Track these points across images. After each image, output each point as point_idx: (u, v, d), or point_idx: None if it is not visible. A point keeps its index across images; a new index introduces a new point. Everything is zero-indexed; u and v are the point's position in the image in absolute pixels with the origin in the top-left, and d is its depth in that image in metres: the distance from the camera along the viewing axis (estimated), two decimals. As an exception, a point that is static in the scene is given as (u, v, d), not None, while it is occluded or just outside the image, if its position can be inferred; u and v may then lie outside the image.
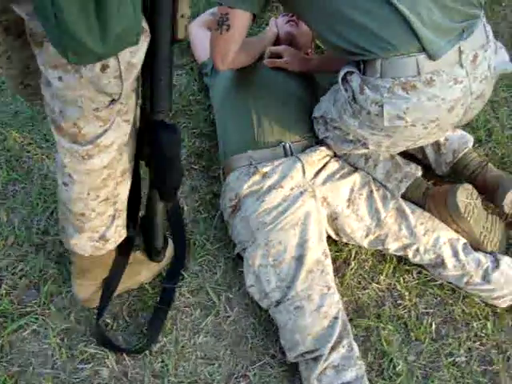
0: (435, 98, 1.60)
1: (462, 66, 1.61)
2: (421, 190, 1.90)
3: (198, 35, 2.36)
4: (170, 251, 1.87)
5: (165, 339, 1.74)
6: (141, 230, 1.78)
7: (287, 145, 1.87)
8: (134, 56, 1.22)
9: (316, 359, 1.61)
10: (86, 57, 1.10)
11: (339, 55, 1.74)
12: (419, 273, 1.90)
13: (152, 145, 1.52)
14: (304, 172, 1.81)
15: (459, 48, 1.60)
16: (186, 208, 2.00)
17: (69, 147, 1.38)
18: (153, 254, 1.80)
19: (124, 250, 1.75)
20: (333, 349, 1.61)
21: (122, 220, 1.62)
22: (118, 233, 1.62)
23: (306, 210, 1.76)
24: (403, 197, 1.89)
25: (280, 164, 1.81)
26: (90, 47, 1.05)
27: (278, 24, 2.20)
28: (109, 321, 1.78)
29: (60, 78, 1.21)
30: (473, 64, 1.62)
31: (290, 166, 1.81)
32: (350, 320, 1.75)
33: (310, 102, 2.00)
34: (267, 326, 1.78)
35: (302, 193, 1.78)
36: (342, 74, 1.71)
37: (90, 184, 1.45)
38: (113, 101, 1.29)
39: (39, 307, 1.79)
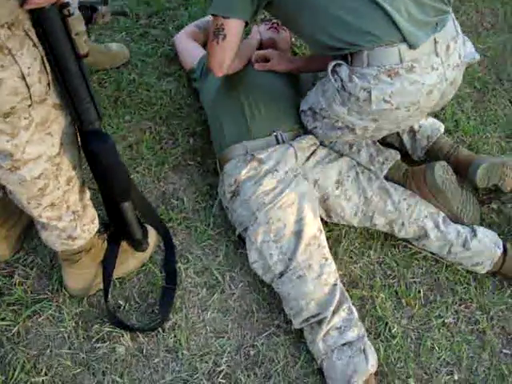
0: (416, 82, 1.79)
1: (437, 54, 1.80)
2: (401, 170, 2.08)
3: (184, 45, 2.51)
4: (153, 239, 1.96)
5: (176, 316, 1.85)
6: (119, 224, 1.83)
7: (279, 134, 2.02)
8: (2, 71, 1.22)
9: (320, 322, 1.74)
10: None
11: (327, 52, 1.90)
12: (405, 247, 2.07)
13: (87, 155, 1.57)
14: (296, 157, 1.96)
15: (434, 39, 1.80)
16: (185, 199, 2.13)
17: None
18: (135, 244, 1.88)
19: (114, 237, 1.86)
20: (334, 312, 1.75)
21: (87, 218, 1.69)
22: (86, 231, 1.70)
23: (300, 190, 1.90)
24: (386, 178, 2.07)
25: (274, 151, 1.96)
26: None
27: (261, 31, 2.38)
28: (121, 302, 1.87)
29: None
30: (446, 53, 1.83)
31: (284, 151, 1.96)
32: (346, 291, 1.87)
33: (295, 97, 2.17)
34: (270, 300, 1.90)
35: (295, 176, 1.93)
36: (331, 66, 1.87)
37: (27, 193, 1.50)
38: (8, 113, 1.29)
39: (52, 294, 1.87)
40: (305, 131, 2.08)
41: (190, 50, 2.47)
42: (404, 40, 1.75)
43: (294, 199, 1.89)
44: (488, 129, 2.48)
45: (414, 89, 1.79)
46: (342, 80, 1.84)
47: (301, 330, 1.81)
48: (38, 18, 1.28)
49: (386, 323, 1.88)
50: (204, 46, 2.53)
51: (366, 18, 1.76)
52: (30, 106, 1.32)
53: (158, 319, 1.83)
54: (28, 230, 1.98)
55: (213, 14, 1.90)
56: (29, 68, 1.27)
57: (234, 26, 1.89)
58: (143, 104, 2.40)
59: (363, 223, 2.03)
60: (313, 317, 1.75)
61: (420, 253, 2.05)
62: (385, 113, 1.84)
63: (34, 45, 1.29)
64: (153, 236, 1.96)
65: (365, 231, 2.09)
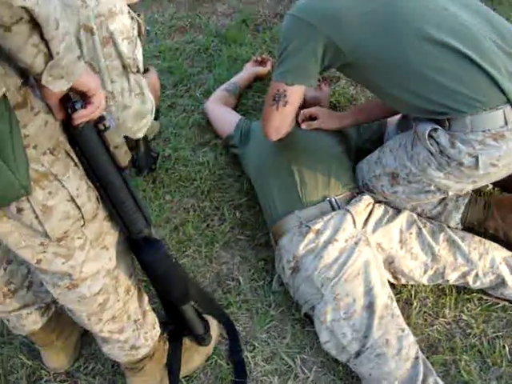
0: None
1: None
2: (480, 202, 1.98)
3: (216, 112, 2.45)
4: (215, 330, 1.87)
5: (251, 412, 1.74)
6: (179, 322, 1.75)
7: (333, 199, 1.91)
8: (51, 199, 1.19)
9: (407, 402, 1.63)
10: None
11: (422, 115, 1.77)
12: (479, 299, 1.94)
13: (141, 265, 1.51)
14: (355, 222, 1.86)
15: None
16: (241, 279, 2.03)
17: (51, 282, 1.38)
18: (198, 340, 1.79)
19: (175, 335, 1.79)
20: (421, 389, 1.63)
21: (148, 325, 1.62)
22: (149, 338, 1.63)
23: (364, 258, 1.79)
24: (463, 217, 1.97)
25: (330, 218, 1.85)
26: None
27: None
28: (192, 404, 1.78)
29: None
30: None
31: (341, 218, 1.85)
32: (426, 358, 1.75)
33: (343, 155, 2.08)
34: (347, 380, 1.78)
35: (356, 243, 1.82)
36: (427, 132, 1.74)
37: (87, 310, 1.44)
38: (61, 238, 1.26)
39: (119, 402, 1.78)
40: (358, 190, 1.99)
41: (223, 115, 2.40)
42: (508, 101, 1.64)
43: (359, 269, 1.78)
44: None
45: None
46: (439, 144, 1.73)
47: (386, 411, 1.69)
48: (73, 136, 1.22)
49: (475, 388, 1.75)
50: (235, 109, 2.46)
51: (469, 83, 1.65)
52: (82, 225, 1.27)
53: (234, 417, 1.73)
54: (84, 336, 1.90)
55: (275, 80, 1.82)
56: (77, 190, 1.23)
57: (297, 93, 1.82)
58: (182, 180, 2.33)
59: (434, 280, 1.91)
60: (399, 397, 1.64)
61: (497, 304, 1.91)
62: (489, 175, 1.74)
63: (76, 164, 1.23)
64: (214, 327, 1.86)
65: (435, 288, 1.96)
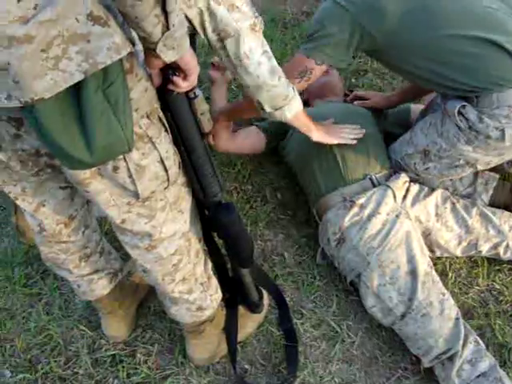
0: None
1: None
2: (507, 186, 2.13)
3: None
4: (265, 299, 1.97)
5: (303, 373, 1.85)
6: (235, 290, 1.86)
7: (373, 177, 2.05)
8: (144, 159, 1.28)
9: (451, 358, 1.75)
10: (78, 165, 1.16)
11: (449, 92, 1.90)
12: (510, 270, 2.08)
13: (214, 225, 1.62)
14: (395, 197, 1.99)
15: None
16: (286, 254, 2.16)
17: (131, 243, 1.50)
18: (252, 307, 1.89)
19: (231, 303, 1.89)
20: (463, 346, 1.75)
21: (212, 288, 1.74)
22: (213, 300, 1.74)
23: (405, 230, 1.92)
24: (492, 203, 2.11)
25: (373, 194, 1.98)
26: (78, 158, 1.11)
27: None
28: (247, 366, 1.89)
29: (88, 185, 1.30)
30: None
31: (382, 193, 1.98)
32: (464, 323, 1.89)
33: (377, 136, 2.21)
34: (391, 344, 1.91)
35: (397, 216, 1.95)
36: (456, 109, 1.86)
37: (162, 270, 1.57)
38: (147, 198, 1.36)
39: (178, 368, 1.88)
40: (395, 169, 2.12)
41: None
42: None
43: (401, 239, 1.91)
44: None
45: None
46: (468, 120, 1.86)
47: (429, 369, 1.81)
48: (166, 103, 1.34)
49: (510, 349, 1.87)
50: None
51: (494, 63, 1.78)
52: (166, 188, 1.38)
53: (287, 378, 1.83)
54: (140, 308, 2.03)
55: (307, 55, 1.87)
56: (166, 152, 1.34)
57: (320, 72, 1.92)
58: (224, 166, 2.46)
59: (468, 252, 2.05)
60: (443, 353, 1.76)
61: (526, 273, 2.06)
62: None
63: (166, 130, 1.35)
64: (265, 296, 1.98)
65: (468, 260, 2.11)
